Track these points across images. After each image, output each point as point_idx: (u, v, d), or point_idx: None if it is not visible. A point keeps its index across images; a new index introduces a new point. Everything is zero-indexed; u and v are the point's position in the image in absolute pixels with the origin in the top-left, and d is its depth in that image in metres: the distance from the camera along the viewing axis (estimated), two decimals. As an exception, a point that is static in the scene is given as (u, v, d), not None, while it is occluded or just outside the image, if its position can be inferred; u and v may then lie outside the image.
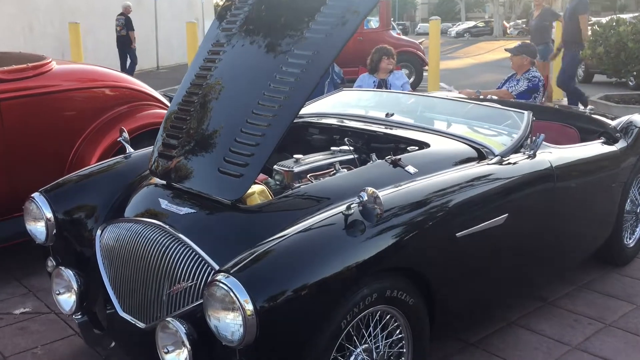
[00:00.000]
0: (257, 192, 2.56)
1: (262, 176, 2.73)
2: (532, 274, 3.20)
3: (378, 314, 2.32)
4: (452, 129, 3.37)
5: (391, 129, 3.29)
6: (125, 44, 14.68)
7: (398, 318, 2.39)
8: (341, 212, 2.20)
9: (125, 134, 3.17)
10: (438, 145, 2.98)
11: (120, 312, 2.48)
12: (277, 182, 2.81)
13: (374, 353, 2.31)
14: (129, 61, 14.82)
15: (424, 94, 3.99)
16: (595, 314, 3.52)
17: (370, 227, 2.19)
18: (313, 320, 2.06)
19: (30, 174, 3.82)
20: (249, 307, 1.90)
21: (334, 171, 2.79)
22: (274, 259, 2.06)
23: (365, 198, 2.16)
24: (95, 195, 2.86)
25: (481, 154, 2.97)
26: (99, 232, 2.69)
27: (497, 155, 2.95)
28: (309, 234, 2.15)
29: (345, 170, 2.79)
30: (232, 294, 1.92)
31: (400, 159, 2.71)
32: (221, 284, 1.95)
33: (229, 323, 1.95)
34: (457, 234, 2.48)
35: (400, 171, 2.67)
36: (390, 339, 2.39)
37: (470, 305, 2.78)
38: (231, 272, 1.97)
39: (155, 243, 2.40)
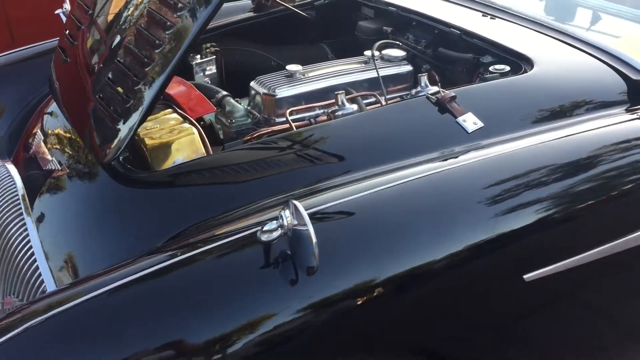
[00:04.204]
0: (181, 142, 1.46)
1: (208, 106, 1.60)
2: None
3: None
4: (597, 26, 1.90)
5: (493, 19, 1.91)
6: None
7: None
8: (257, 233, 1.05)
9: (67, 5, 2.05)
10: (548, 66, 1.59)
11: None
12: (250, 112, 1.66)
13: None
14: None
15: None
16: None
17: (305, 274, 1.03)
18: None
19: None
20: None
21: (336, 107, 1.56)
22: (91, 317, 1.01)
23: (288, 220, 0.99)
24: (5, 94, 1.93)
25: (635, 89, 1.55)
26: None
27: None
28: (179, 270, 1.06)
29: (354, 107, 1.55)
30: None
31: (454, 98, 1.42)
32: None
33: None
34: (525, 277, 1.21)
35: (448, 121, 1.39)
36: None
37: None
38: None
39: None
